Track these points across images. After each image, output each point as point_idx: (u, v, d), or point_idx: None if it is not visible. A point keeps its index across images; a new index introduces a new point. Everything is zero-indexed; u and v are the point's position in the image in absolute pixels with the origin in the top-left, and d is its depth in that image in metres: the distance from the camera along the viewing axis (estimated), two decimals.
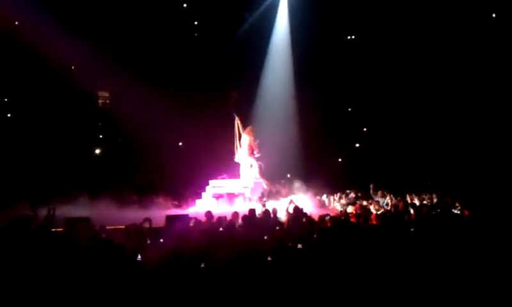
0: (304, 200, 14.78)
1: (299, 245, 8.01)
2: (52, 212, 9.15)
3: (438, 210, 12.37)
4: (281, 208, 12.54)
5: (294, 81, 21.14)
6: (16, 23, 18.21)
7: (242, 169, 16.33)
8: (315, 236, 8.65)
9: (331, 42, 20.87)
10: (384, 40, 21.04)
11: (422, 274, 6.90)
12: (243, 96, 21.74)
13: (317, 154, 20.00)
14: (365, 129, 22.40)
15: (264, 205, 12.60)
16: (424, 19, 19.58)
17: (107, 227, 9.35)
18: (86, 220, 10.01)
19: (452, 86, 20.33)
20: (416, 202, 14.09)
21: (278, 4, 20.81)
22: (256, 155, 16.54)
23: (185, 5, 20.15)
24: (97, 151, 20.32)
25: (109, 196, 14.98)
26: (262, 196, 15.15)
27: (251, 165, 16.37)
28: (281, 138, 18.98)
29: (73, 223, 9.56)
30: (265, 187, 15.88)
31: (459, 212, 12.68)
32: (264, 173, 16.36)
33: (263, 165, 16.51)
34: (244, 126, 16.87)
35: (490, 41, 19.20)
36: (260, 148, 16.75)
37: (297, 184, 16.08)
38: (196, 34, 21.52)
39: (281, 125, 19.68)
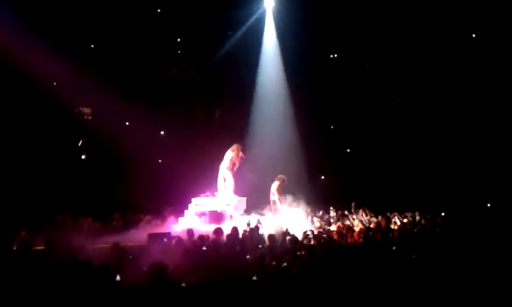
0: (299, 214, 14.74)
1: (284, 264, 7.95)
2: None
3: (420, 228, 12.42)
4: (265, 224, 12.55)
5: (287, 97, 21.06)
6: None
7: (220, 184, 16.05)
8: (302, 253, 8.60)
9: (314, 61, 20.91)
10: (368, 58, 21.27)
11: (405, 291, 6.89)
12: (229, 113, 21.65)
13: (299, 172, 19.87)
14: (348, 150, 22.44)
15: (248, 224, 12.49)
16: (409, 39, 19.81)
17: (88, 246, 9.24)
18: (65, 239, 9.91)
19: (434, 106, 20.56)
20: (398, 221, 14.11)
21: (263, 22, 20.86)
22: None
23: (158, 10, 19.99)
24: (78, 169, 19.93)
25: (90, 215, 14.80)
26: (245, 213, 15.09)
27: (225, 179, 16.03)
28: (269, 154, 18.90)
29: (52, 242, 9.52)
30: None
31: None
32: (237, 190, 16.11)
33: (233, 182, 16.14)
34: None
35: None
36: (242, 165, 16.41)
37: (289, 199, 15.89)
38: (179, 51, 21.51)
39: (271, 139, 19.62)
